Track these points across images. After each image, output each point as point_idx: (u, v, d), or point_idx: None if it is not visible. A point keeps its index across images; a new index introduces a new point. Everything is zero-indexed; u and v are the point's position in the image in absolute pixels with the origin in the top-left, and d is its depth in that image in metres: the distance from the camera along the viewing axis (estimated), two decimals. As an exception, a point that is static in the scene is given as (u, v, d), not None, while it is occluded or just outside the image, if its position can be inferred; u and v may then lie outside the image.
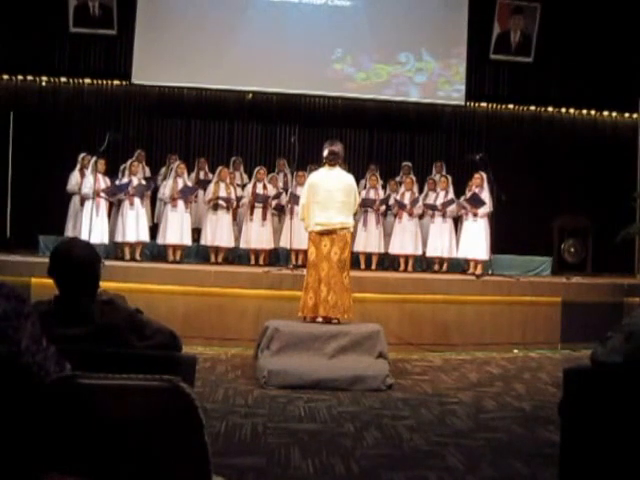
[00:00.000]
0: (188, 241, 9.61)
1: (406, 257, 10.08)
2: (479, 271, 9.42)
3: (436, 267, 10.05)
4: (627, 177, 11.06)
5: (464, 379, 6.50)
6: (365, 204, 9.80)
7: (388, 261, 10.43)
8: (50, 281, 2.48)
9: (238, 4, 11.93)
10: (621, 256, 10.75)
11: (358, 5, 12.10)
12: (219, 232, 9.64)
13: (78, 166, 9.94)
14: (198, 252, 10.14)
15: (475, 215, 9.64)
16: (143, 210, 9.61)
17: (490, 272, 9.22)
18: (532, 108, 12.76)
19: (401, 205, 10.04)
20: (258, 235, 9.79)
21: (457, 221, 10.24)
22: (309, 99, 12.34)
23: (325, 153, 6.51)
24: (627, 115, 12.58)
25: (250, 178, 10.45)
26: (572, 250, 11.10)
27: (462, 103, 12.34)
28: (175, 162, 10.11)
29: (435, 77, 12.23)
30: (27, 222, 10.59)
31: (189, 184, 9.79)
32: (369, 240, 10.04)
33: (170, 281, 7.81)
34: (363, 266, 10.04)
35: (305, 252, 7.26)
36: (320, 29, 11.96)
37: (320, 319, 6.41)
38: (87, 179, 9.37)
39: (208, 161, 11.00)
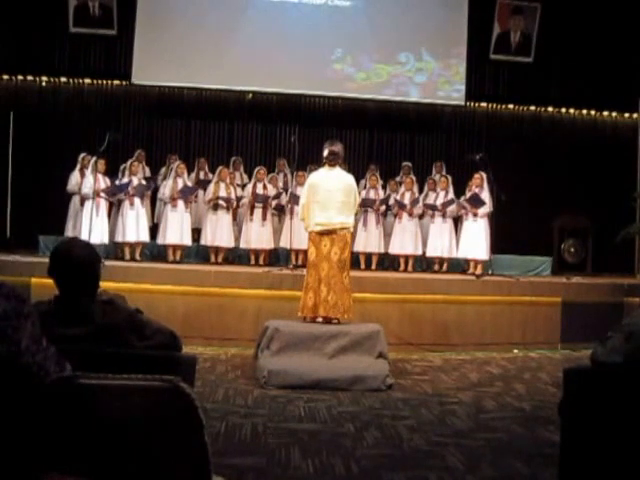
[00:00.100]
0: (188, 241, 9.61)
1: (406, 257, 10.08)
2: (479, 271, 9.42)
3: (436, 267, 10.05)
4: (627, 177, 11.06)
5: (464, 379, 6.50)
6: (365, 204, 9.80)
7: (388, 261, 10.42)
8: (50, 281, 2.48)
9: (238, 4, 11.93)
10: (621, 256, 10.76)
11: (358, 5, 12.10)
12: (219, 232, 9.64)
13: (78, 166, 9.94)
14: (198, 252, 10.14)
15: (475, 215, 9.64)
16: (143, 210, 9.62)
17: (490, 272, 9.22)
18: (532, 108, 12.76)
19: (401, 205, 10.04)
20: (258, 235, 9.79)
21: (457, 221, 10.24)
22: (309, 99, 12.34)
23: (325, 153, 6.51)
24: (627, 115, 12.58)
25: (250, 178, 10.45)
26: (572, 250, 11.10)
27: (462, 103, 12.34)
28: (175, 162, 10.10)
29: (435, 77, 12.23)
30: (27, 222, 10.59)
31: (189, 184, 9.79)
32: (369, 240, 10.04)
33: (170, 281, 7.81)
34: (363, 266, 10.04)
35: (305, 252, 7.26)
36: (320, 29, 11.96)
37: (320, 319, 6.41)
38: (87, 179, 9.37)
39: (208, 161, 11.00)
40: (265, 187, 9.95)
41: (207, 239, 9.69)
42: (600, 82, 11.90)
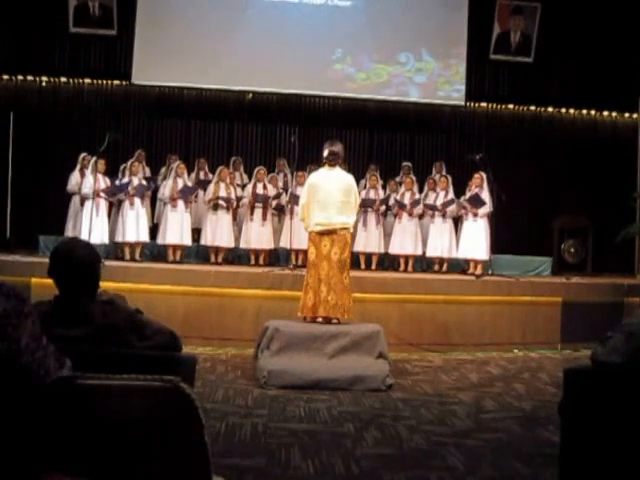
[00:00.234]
0: (188, 241, 9.61)
1: (406, 257, 10.08)
2: (479, 271, 9.42)
3: (436, 267, 10.05)
4: (627, 177, 11.05)
5: (464, 379, 6.50)
6: (365, 204, 9.80)
7: (388, 261, 10.43)
8: (50, 281, 2.48)
9: (238, 4, 11.93)
10: (621, 256, 10.76)
11: (358, 5, 12.10)
12: (219, 232, 9.64)
13: (78, 166, 9.94)
14: (198, 252, 10.14)
15: (475, 215, 9.64)
16: (143, 210, 9.62)
17: (490, 272, 9.22)
18: (532, 108, 12.76)
19: (401, 205, 10.04)
20: (258, 235, 9.79)
21: (457, 221, 10.24)
22: (309, 99, 12.34)
23: (325, 153, 6.51)
24: (627, 115, 12.58)
25: (250, 178, 10.45)
26: (572, 250, 11.10)
27: (462, 103, 12.34)
28: (175, 162, 10.10)
29: (435, 77, 12.23)
30: (27, 222, 10.60)
31: (189, 184, 9.79)
32: (369, 240, 10.04)
33: (170, 281, 7.81)
34: (363, 266, 10.04)
35: (305, 252, 7.26)
36: (320, 29, 11.96)
37: (320, 319, 6.41)
38: (87, 179, 9.37)
39: (208, 161, 11.00)
40: (265, 187, 9.95)
41: (207, 239, 9.69)
42: (600, 82, 11.90)
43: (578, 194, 11.75)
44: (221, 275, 8.09)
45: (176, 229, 9.46)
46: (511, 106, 12.74)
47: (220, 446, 4.02)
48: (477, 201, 9.59)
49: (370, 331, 6.31)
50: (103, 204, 9.31)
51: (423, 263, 10.34)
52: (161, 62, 11.62)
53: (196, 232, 10.00)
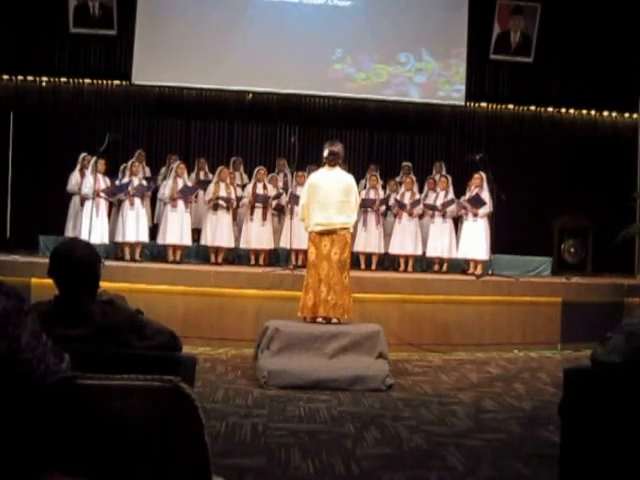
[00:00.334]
0: (188, 241, 9.61)
1: (406, 257, 10.08)
2: (479, 271, 9.42)
3: (436, 267, 10.05)
4: (627, 177, 11.05)
5: (464, 379, 6.50)
6: (365, 204, 9.79)
7: (388, 261, 10.42)
8: (50, 281, 2.48)
9: (238, 4, 11.93)
10: (621, 256, 10.75)
11: (358, 5, 12.10)
12: (219, 232, 9.64)
13: (78, 166, 9.94)
14: (198, 252, 10.14)
15: (475, 215, 9.64)
16: (143, 210, 9.62)
17: (490, 272, 9.21)
18: (532, 108, 12.76)
19: (401, 205, 10.04)
20: (258, 235, 9.79)
21: (457, 221, 10.24)
22: (309, 99, 12.34)
23: (325, 153, 6.51)
24: (627, 115, 12.58)
25: (250, 178, 10.45)
26: (572, 250, 11.10)
27: (462, 103, 12.34)
28: (175, 162, 10.10)
29: (435, 77, 12.23)
30: (27, 222, 10.59)
31: (189, 184, 9.79)
32: (369, 240, 10.04)
33: (170, 281, 7.81)
34: (363, 266, 10.04)
35: (305, 252, 7.26)
36: (320, 29, 11.96)
37: (320, 319, 6.41)
38: (87, 179, 9.37)
39: (208, 161, 11.00)
40: (265, 187, 9.95)
41: (207, 239, 9.68)
42: (600, 82, 11.90)
43: (578, 194, 11.75)
44: (221, 275, 8.09)
45: (176, 229, 9.46)
46: (511, 106, 12.74)
47: (220, 446, 4.01)
48: (477, 201, 9.59)
49: (370, 331, 6.31)
50: (103, 204, 9.31)
51: (423, 263, 10.34)
52: (161, 62, 11.62)
53: (196, 232, 10.00)
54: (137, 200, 9.44)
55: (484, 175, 9.65)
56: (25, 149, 10.98)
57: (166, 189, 9.70)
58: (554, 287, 8.70)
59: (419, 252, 10.06)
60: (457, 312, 8.03)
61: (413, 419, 4.93)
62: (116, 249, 9.66)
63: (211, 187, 9.73)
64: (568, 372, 2.84)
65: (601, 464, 2.43)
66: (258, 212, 9.82)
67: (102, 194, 9.27)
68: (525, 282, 8.75)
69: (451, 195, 10.02)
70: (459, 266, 10.03)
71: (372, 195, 10.19)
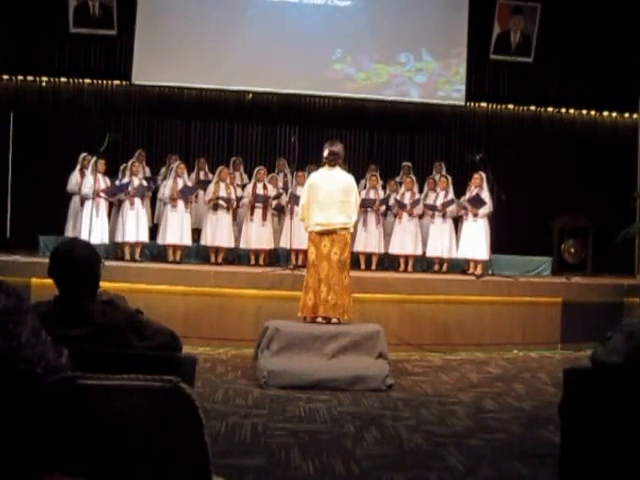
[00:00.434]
0: (188, 241, 9.61)
1: (406, 257, 10.08)
2: (479, 271, 9.42)
3: (436, 267, 10.05)
4: (627, 177, 11.05)
5: (464, 379, 6.50)
6: (365, 204, 9.79)
7: (388, 261, 10.42)
8: (50, 281, 2.48)
9: (238, 4, 11.93)
10: (621, 256, 10.75)
11: (358, 5, 12.10)
12: (219, 232, 9.64)
13: (78, 166, 9.94)
14: (198, 252, 10.14)
15: (475, 215, 9.64)
16: (143, 210, 9.62)
17: (490, 272, 9.21)
18: (532, 108, 12.76)
19: (401, 205, 10.04)
20: (258, 235, 9.79)
21: (457, 221, 10.24)
22: (309, 99, 12.34)
23: (325, 153, 6.51)
24: (627, 115, 12.58)
25: (250, 178, 10.45)
26: (572, 250, 11.10)
27: (462, 103, 12.35)
28: (175, 162, 10.10)
29: (435, 77, 12.23)
30: (27, 222, 10.59)
31: (189, 184, 9.79)
32: (369, 240, 10.04)
33: (170, 281, 7.81)
34: (363, 266, 10.03)
35: (305, 252, 7.26)
36: (320, 29, 11.96)
37: (320, 319, 6.41)
38: (87, 179, 9.38)
39: (208, 161, 11.00)
40: (265, 187, 9.95)
41: (207, 239, 9.68)
42: (600, 82, 11.90)
43: (578, 194, 11.75)
44: (221, 275, 8.09)
45: (176, 229, 9.46)
46: (511, 106, 12.74)
47: (220, 446, 4.01)
48: (478, 201, 9.59)
49: (370, 331, 6.31)
50: (103, 204, 9.32)
51: (423, 263, 10.34)
52: (161, 62, 11.62)
53: (196, 232, 10.00)
54: (137, 200, 9.44)
55: (484, 175, 9.65)
56: (25, 149, 10.98)
57: (166, 189, 9.70)
58: (554, 287, 8.70)
59: (419, 252, 10.06)
60: (457, 312, 8.03)
61: (413, 419, 4.93)
62: (116, 249, 9.66)
63: (211, 187, 9.73)
64: (568, 372, 2.84)
65: (601, 464, 2.43)
66: (258, 212, 9.82)
67: (102, 194, 9.27)
68: (525, 282, 8.76)
69: (451, 195, 10.02)
70: (459, 266, 10.03)
71: (372, 195, 10.19)
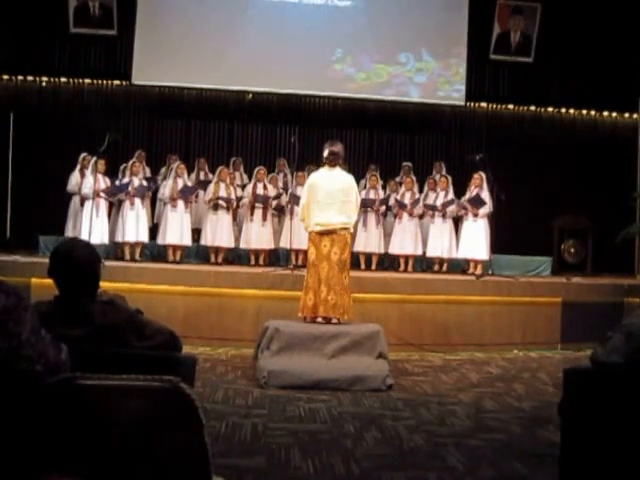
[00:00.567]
0: (188, 241, 9.61)
1: (406, 257, 10.08)
2: (479, 271, 9.42)
3: (436, 267, 10.05)
4: (627, 177, 11.05)
5: (464, 379, 6.50)
6: (365, 204, 9.79)
7: (388, 261, 10.42)
8: (50, 281, 2.48)
9: (238, 4, 11.93)
10: (621, 256, 10.75)
11: (358, 5, 12.10)
12: (219, 232, 9.64)
13: (78, 166, 9.94)
14: (198, 252, 10.14)
15: (475, 215, 9.64)
16: (143, 210, 9.62)
17: (490, 272, 9.21)
18: (532, 108, 12.76)
19: (401, 205, 10.04)
20: (258, 235, 9.79)
21: (457, 221, 10.24)
22: (309, 99, 12.34)
23: (325, 153, 6.51)
24: (627, 115, 12.58)
25: (250, 178, 10.45)
26: (572, 250, 11.10)
27: (462, 103, 12.35)
28: (175, 162, 10.11)
29: (435, 77, 12.23)
30: (27, 222, 10.59)
31: (189, 184, 9.79)
32: (369, 240, 10.04)
33: (170, 281, 7.81)
34: (363, 266, 10.03)
35: (305, 252, 7.26)
36: (320, 29, 11.96)
37: (320, 319, 6.41)
38: (87, 179, 9.38)
39: (208, 161, 11.00)
40: (265, 187, 9.95)
41: (207, 239, 9.69)
42: (600, 82, 11.90)
43: (578, 194, 11.74)
44: (221, 275, 8.09)
45: (176, 229, 9.47)
46: (511, 106, 12.74)
47: (220, 446, 4.01)
48: (478, 202, 9.59)
49: (370, 331, 6.31)
50: (103, 204, 9.32)
51: (423, 263, 10.34)
52: (161, 62, 11.63)
53: (196, 232, 10.00)
54: (137, 200, 9.44)
55: (484, 175, 9.65)
56: (25, 149, 10.98)
57: (166, 189, 9.70)
58: (554, 287, 8.70)
59: (419, 252, 10.06)
60: (457, 312, 8.03)
61: (413, 419, 4.93)
62: (116, 249, 9.66)
63: (211, 187, 9.73)
64: (568, 372, 2.84)
65: (601, 464, 2.42)
66: (258, 212, 9.82)
67: (102, 194, 9.27)
68: (525, 282, 8.76)
69: (451, 195, 10.02)
70: (459, 266, 10.03)
71: (372, 195, 10.19)
